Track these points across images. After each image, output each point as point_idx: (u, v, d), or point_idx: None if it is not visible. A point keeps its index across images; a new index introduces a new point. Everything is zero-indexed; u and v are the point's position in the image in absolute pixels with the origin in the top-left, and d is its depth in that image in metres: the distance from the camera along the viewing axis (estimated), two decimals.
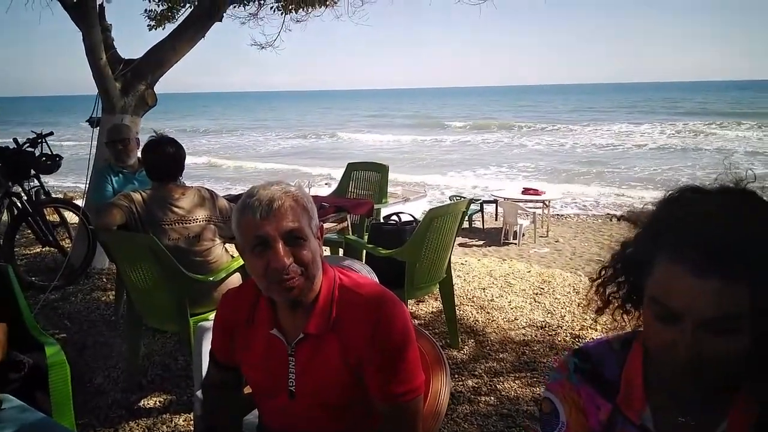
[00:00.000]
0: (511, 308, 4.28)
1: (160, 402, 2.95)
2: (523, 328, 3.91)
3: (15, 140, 5.03)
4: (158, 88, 5.24)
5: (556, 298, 4.52)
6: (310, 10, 6.70)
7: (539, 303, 4.41)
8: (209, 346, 2.34)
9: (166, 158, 2.91)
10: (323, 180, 11.04)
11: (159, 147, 2.93)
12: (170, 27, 7.18)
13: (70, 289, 4.56)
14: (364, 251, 3.64)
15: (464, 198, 7.72)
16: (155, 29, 7.25)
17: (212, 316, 2.90)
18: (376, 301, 1.37)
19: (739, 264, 0.77)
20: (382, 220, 4.12)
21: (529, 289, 4.77)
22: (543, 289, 4.77)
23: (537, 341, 3.68)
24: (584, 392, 1.01)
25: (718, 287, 0.78)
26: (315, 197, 4.27)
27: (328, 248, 4.47)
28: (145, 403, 2.94)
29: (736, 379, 0.87)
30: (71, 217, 5.40)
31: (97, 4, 4.80)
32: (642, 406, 0.96)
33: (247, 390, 1.75)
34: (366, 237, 3.92)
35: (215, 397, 1.60)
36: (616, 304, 1.00)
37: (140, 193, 2.91)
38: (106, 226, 2.79)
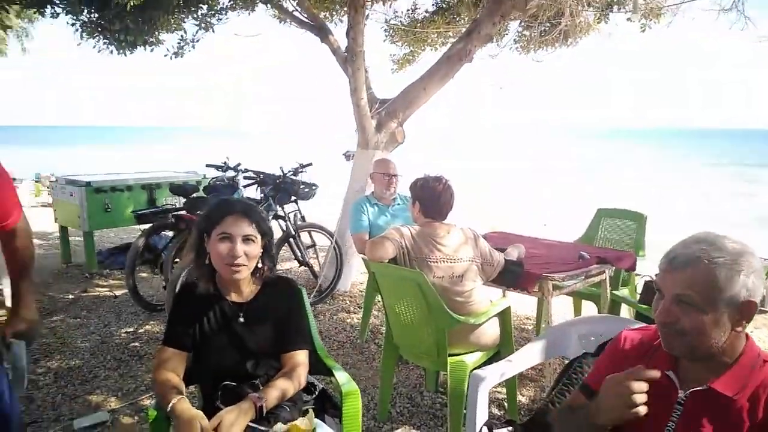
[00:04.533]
0: None
1: None
2: None
3: (281, 169, 5.68)
4: None
5: None
6: (549, 50, 6.70)
7: None
8: (485, 396, 2.26)
9: (438, 196, 2.98)
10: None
11: (432, 185, 3.01)
12: (410, 69, 7.74)
13: (318, 307, 4.94)
14: (630, 309, 3.31)
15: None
16: (397, 72, 7.82)
17: (468, 357, 2.86)
18: None
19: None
20: (652, 276, 3.72)
21: None
22: None
23: None
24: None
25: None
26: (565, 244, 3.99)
27: (571, 299, 4.17)
28: None
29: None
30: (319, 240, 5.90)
31: (362, 50, 5.23)
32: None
33: None
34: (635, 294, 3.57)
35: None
36: None
37: (409, 229, 3.01)
38: (379, 258, 2.93)
